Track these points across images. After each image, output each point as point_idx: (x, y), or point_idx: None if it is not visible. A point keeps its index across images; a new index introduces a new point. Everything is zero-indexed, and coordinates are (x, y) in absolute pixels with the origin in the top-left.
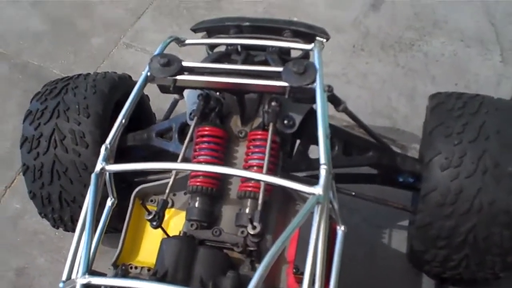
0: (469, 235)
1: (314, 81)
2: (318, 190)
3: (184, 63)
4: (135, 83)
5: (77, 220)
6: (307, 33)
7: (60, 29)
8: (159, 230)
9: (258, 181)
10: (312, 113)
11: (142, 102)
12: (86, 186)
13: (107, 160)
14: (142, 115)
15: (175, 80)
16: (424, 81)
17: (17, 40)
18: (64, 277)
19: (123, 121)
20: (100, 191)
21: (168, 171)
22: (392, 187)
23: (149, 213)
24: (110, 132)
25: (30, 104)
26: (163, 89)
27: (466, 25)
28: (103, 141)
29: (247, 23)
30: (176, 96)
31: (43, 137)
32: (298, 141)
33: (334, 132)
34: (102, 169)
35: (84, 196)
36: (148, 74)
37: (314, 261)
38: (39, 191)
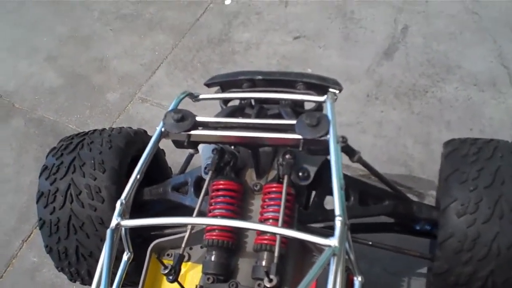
0: (488, 281)
1: (327, 133)
2: (333, 242)
3: (198, 118)
4: (150, 138)
5: (94, 274)
6: (320, 85)
7: (75, 84)
8: (176, 284)
9: (274, 234)
10: (326, 164)
11: (158, 157)
12: (102, 240)
13: (122, 215)
14: (158, 169)
15: (189, 135)
16: (439, 127)
17: (33, 95)
18: None
19: (138, 176)
20: (116, 246)
21: (184, 225)
22: (409, 235)
23: (165, 267)
24: (126, 188)
25: (46, 159)
26: (178, 144)
27: (479, 69)
28: (119, 196)
29: (260, 77)
30: (191, 150)
31: (59, 192)
32: (313, 192)
33: (349, 183)
34: (118, 224)
35: (100, 250)
36: (163, 129)
37: None
38: (56, 245)
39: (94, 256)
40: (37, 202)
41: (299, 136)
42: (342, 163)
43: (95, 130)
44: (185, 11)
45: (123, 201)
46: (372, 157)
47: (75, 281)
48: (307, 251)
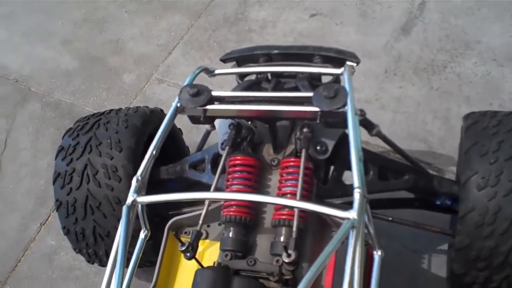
0: (510, 255)
1: (345, 104)
2: (352, 214)
3: (214, 93)
4: None
5: None
6: (337, 58)
7: (91, 66)
8: (194, 262)
9: (292, 207)
10: (344, 138)
11: (175, 136)
12: (120, 220)
13: (138, 192)
14: (175, 148)
15: (205, 110)
16: (459, 103)
17: (49, 79)
18: None
19: (154, 152)
20: (132, 223)
21: (201, 202)
22: (429, 210)
23: (183, 244)
24: (141, 164)
25: (62, 140)
26: (194, 119)
27: (498, 44)
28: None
29: (276, 51)
30: (207, 127)
31: (75, 172)
32: (332, 167)
33: (368, 157)
34: (134, 201)
35: None
36: (178, 105)
37: (350, 287)
38: (73, 226)
39: (111, 236)
40: (53, 183)
41: (317, 109)
42: (361, 139)
43: (111, 110)
44: None
45: (139, 178)
46: (391, 132)
47: (93, 263)
48: (326, 226)
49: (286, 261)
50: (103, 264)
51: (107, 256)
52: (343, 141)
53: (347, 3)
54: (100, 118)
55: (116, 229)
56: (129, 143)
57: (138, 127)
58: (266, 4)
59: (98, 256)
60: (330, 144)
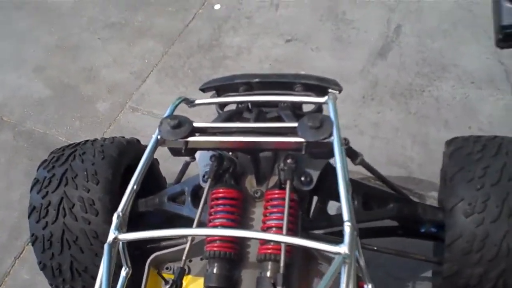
0: (499, 281)
1: (331, 134)
2: (343, 249)
3: (195, 124)
4: (144, 147)
5: None
6: (319, 86)
7: (64, 94)
8: None
9: (280, 243)
10: (328, 168)
11: (153, 167)
12: (97, 254)
13: (119, 229)
14: (152, 179)
15: (187, 142)
16: (437, 126)
17: (21, 108)
18: None
19: (135, 187)
20: (114, 261)
21: (184, 237)
22: (414, 238)
23: (166, 282)
24: (122, 200)
25: (37, 172)
26: (175, 152)
27: (475, 66)
28: (114, 208)
29: (257, 80)
30: (187, 158)
31: (51, 206)
32: (315, 197)
33: (353, 186)
34: (115, 238)
35: (96, 265)
36: (159, 137)
37: None
38: (49, 261)
39: (89, 271)
40: (29, 217)
41: (302, 139)
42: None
43: (86, 141)
44: (174, 18)
45: (120, 214)
46: (370, 158)
47: None
48: (311, 259)
49: None
50: None
51: None
52: (327, 171)
53: (322, 28)
54: (76, 149)
55: (94, 264)
56: (106, 175)
57: (115, 158)
58: (240, 30)
59: None
60: (315, 174)
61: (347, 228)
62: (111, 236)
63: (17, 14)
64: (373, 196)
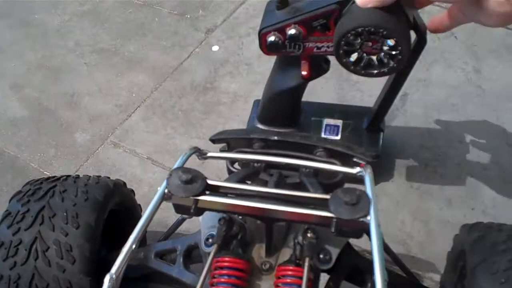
0: None
1: (367, 214)
2: None
3: (210, 181)
4: (129, 191)
5: None
6: (344, 154)
7: (42, 118)
8: None
9: None
10: (345, 247)
11: (136, 214)
12: None
13: None
14: (133, 227)
15: (197, 201)
16: (439, 205)
17: None
18: None
19: (133, 247)
20: None
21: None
22: None
23: None
24: (117, 259)
25: (9, 204)
26: (180, 209)
27: (483, 146)
28: (93, 257)
29: (275, 137)
30: (186, 216)
31: (22, 245)
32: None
33: (367, 266)
34: None
35: None
36: (166, 191)
37: None
38: None
39: None
40: None
41: (331, 214)
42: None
43: (68, 177)
44: (168, 54)
45: (113, 276)
46: None
47: None
48: None
49: None
50: None
51: None
52: (345, 249)
53: (325, 87)
54: (56, 185)
55: None
56: (88, 219)
57: (99, 201)
58: (238, 76)
59: None
60: (334, 252)
61: None
62: None
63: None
64: (392, 280)
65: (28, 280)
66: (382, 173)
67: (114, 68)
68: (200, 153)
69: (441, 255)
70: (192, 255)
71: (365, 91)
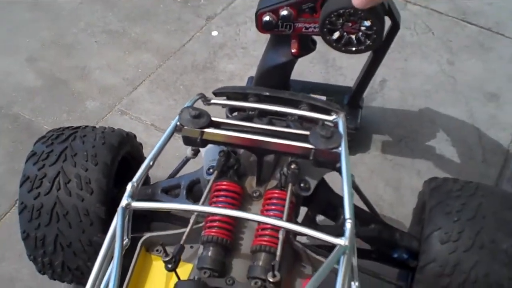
0: None
1: (339, 145)
2: (345, 241)
3: (213, 118)
4: (138, 144)
5: (68, 268)
6: (324, 108)
7: (55, 87)
8: (162, 281)
9: (284, 228)
10: (323, 183)
11: (139, 155)
12: (84, 232)
13: (132, 197)
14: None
15: (203, 133)
16: (410, 174)
17: (10, 92)
18: None
19: (151, 163)
20: (126, 226)
21: (175, 223)
22: (385, 263)
23: (167, 255)
24: (138, 171)
25: (34, 146)
26: (188, 141)
27: (451, 126)
28: (108, 191)
29: (267, 93)
30: (188, 154)
31: (46, 178)
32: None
33: (340, 203)
34: (128, 204)
35: (81, 242)
36: (178, 123)
37: None
38: (34, 231)
39: (72, 247)
40: (20, 186)
41: (312, 146)
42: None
43: (86, 126)
44: (171, 37)
45: (135, 184)
46: None
47: (44, 273)
48: (296, 259)
49: (271, 280)
50: (55, 277)
51: (63, 268)
52: (321, 185)
53: (312, 70)
54: (76, 131)
55: (79, 240)
56: (105, 159)
57: (114, 146)
58: (235, 58)
59: (53, 267)
60: (313, 183)
61: (348, 224)
62: (124, 202)
63: (14, 6)
64: (358, 215)
65: (50, 208)
66: (360, 145)
67: (122, 47)
68: (205, 99)
69: (409, 216)
70: (193, 190)
71: (348, 75)
